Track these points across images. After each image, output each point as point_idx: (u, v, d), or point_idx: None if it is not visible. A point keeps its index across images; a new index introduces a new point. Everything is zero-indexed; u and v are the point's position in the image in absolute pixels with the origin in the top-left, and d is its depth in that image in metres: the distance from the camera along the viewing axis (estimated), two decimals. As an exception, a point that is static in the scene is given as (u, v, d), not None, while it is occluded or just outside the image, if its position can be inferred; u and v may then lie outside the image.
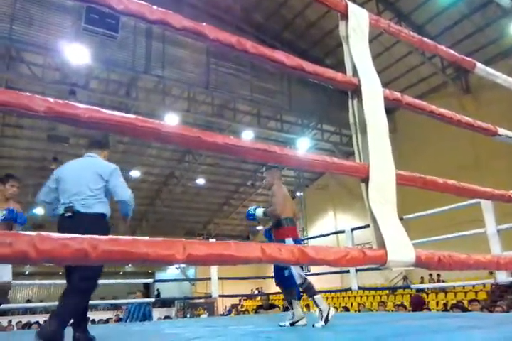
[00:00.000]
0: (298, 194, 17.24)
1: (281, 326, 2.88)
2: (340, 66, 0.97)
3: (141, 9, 0.75)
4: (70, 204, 2.21)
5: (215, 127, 12.52)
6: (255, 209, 3.21)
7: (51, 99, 0.63)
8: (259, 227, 20.43)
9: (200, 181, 16.60)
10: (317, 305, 2.76)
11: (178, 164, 15.86)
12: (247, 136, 12.18)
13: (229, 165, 16.48)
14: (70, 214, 2.19)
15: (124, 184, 2.39)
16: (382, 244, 0.92)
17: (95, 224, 2.21)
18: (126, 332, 3.31)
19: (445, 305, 9.28)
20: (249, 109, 12.83)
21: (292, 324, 2.90)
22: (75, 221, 2.17)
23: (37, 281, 13.52)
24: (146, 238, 0.63)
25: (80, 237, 0.57)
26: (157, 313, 13.28)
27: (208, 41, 0.80)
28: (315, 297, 2.81)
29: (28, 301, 17.72)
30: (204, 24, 0.80)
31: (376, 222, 0.94)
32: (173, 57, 10.92)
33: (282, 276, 3.02)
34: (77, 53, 9.01)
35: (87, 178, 2.28)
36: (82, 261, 0.58)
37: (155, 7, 0.78)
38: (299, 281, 2.87)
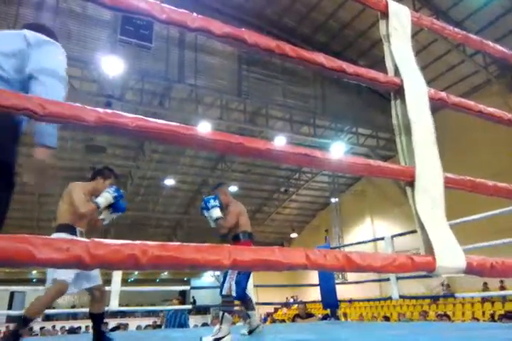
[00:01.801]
0: (333, 200, 16.99)
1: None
2: (375, 67, 0.95)
3: (182, 18, 0.76)
4: None
5: (247, 134, 12.59)
6: (213, 207, 3.06)
7: (100, 110, 0.65)
8: (293, 235, 20.27)
9: (233, 188, 16.72)
10: (221, 323, 2.74)
11: (211, 172, 16.05)
12: (280, 141, 12.17)
13: (261, 171, 16.49)
14: None
15: (61, 61, 1.33)
16: (430, 250, 0.88)
17: None
18: (166, 338, 3.35)
19: (492, 315, 8.82)
20: (282, 114, 12.83)
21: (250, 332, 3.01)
22: None
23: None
24: (193, 244, 0.63)
25: (132, 243, 0.58)
26: (193, 320, 13.38)
27: (248, 46, 0.80)
28: (226, 315, 2.79)
29: (73, 307, 18.34)
30: (244, 29, 0.80)
31: (424, 227, 0.90)
32: (206, 66, 11.13)
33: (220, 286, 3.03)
34: (112, 65, 9.37)
35: None
36: (133, 266, 0.59)
37: (195, 15, 0.79)
38: (224, 292, 2.86)
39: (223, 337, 2.64)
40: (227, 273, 2.93)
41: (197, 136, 0.72)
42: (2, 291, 15.37)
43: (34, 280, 18.55)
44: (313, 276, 6.21)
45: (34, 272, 18.55)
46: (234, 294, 2.87)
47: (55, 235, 2.48)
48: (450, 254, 0.88)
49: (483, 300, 10.22)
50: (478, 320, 7.24)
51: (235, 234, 3.07)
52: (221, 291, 2.90)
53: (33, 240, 0.54)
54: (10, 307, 15.79)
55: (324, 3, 11.16)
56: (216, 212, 3.02)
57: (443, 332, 2.73)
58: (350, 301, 9.36)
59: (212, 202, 3.06)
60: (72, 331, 9.40)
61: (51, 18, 9.41)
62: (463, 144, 11.39)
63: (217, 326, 2.73)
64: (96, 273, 2.62)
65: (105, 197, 2.60)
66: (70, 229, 2.51)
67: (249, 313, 3.18)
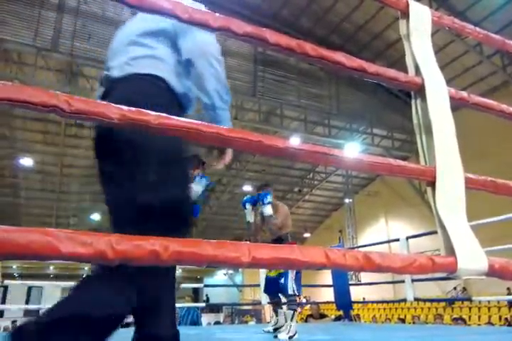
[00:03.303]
0: (347, 200, 16.88)
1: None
2: (390, 68, 0.94)
3: (204, 17, 0.77)
4: (106, 73, 1.23)
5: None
6: (269, 203, 3.04)
7: (124, 107, 0.66)
8: (306, 234, 20.20)
9: (247, 188, 16.75)
10: (291, 319, 2.84)
11: (225, 171, 16.12)
12: (295, 141, 12.14)
13: (275, 171, 16.49)
14: (102, 89, 1.21)
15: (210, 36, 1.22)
16: (451, 251, 0.87)
17: (141, 95, 1.07)
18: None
19: (506, 319, 8.66)
20: (296, 114, 12.81)
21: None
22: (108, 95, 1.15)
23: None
24: (214, 240, 0.64)
25: (154, 239, 0.59)
26: (206, 318, 13.45)
27: (269, 45, 0.80)
28: (294, 312, 2.89)
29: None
30: (265, 29, 0.80)
31: (444, 227, 0.89)
32: (222, 67, 11.17)
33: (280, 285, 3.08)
34: (131, 66, 9.50)
35: (135, 23, 1.31)
36: (154, 262, 0.59)
37: (217, 14, 0.80)
38: (290, 291, 2.96)
39: (295, 333, 2.76)
40: (287, 272, 3.00)
41: (217, 133, 0.73)
42: (20, 286, 15.72)
43: (51, 275, 18.89)
44: (326, 277, 6.19)
45: (51, 267, 18.90)
46: (297, 292, 3.00)
47: None
48: (472, 256, 0.87)
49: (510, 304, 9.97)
50: (493, 324, 7.09)
51: (284, 234, 3.16)
52: (285, 290, 2.99)
53: (57, 234, 0.55)
54: (27, 302, 16.13)
55: (339, 5, 11.12)
56: (270, 209, 3.04)
57: (459, 335, 2.69)
58: (365, 301, 9.28)
59: (268, 198, 3.05)
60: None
61: (72, 20, 9.60)
62: (484, 144, 11.18)
63: (288, 323, 2.84)
64: None
65: (197, 187, 2.51)
66: None
67: (279, 311, 3.27)
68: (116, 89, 1.13)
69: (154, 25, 1.22)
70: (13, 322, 11.50)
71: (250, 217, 3.18)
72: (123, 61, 1.17)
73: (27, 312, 13.73)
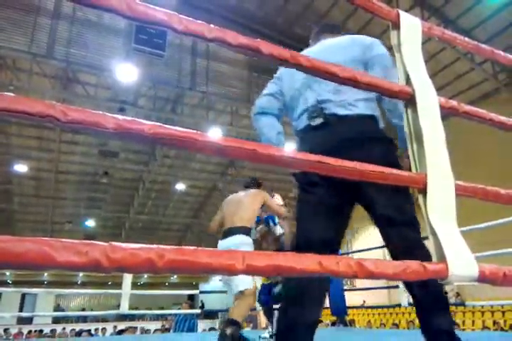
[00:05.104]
0: (342, 206, 16.94)
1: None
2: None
3: (200, 28, 0.78)
4: (320, 106, 1.46)
5: (257, 140, 12.67)
6: (277, 224, 3.46)
7: (120, 117, 0.67)
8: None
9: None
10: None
11: (221, 177, 16.11)
12: (290, 148, 12.20)
13: (271, 177, 16.48)
14: (320, 120, 1.46)
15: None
16: (442, 258, 0.89)
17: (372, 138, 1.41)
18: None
19: (498, 324, 8.68)
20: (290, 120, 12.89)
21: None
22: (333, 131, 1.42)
23: (89, 291, 14.06)
24: (209, 248, 0.65)
25: (148, 247, 0.59)
26: (201, 325, 13.35)
27: (263, 56, 0.82)
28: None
29: (83, 310, 18.42)
30: (259, 40, 0.82)
31: (436, 234, 0.90)
32: (217, 73, 11.25)
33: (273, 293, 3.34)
34: (126, 72, 9.52)
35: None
36: (150, 270, 0.60)
37: (212, 26, 0.81)
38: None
39: None
40: None
41: (212, 142, 0.74)
42: (13, 293, 15.53)
43: (45, 282, 18.69)
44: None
45: (45, 274, 18.71)
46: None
47: (241, 236, 2.64)
48: (462, 262, 0.88)
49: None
50: (489, 329, 7.10)
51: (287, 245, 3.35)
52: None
53: (53, 243, 0.55)
54: (21, 310, 15.93)
55: (334, 12, 11.23)
56: (280, 229, 3.42)
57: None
58: (363, 305, 9.24)
59: (275, 220, 3.46)
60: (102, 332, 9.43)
61: (68, 27, 9.63)
62: (474, 151, 11.28)
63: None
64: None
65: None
66: (250, 233, 2.76)
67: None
68: (341, 126, 1.40)
69: (356, 56, 1.47)
70: (6, 330, 11.36)
71: (253, 236, 3.36)
72: (347, 101, 1.42)
73: (20, 320, 13.59)
